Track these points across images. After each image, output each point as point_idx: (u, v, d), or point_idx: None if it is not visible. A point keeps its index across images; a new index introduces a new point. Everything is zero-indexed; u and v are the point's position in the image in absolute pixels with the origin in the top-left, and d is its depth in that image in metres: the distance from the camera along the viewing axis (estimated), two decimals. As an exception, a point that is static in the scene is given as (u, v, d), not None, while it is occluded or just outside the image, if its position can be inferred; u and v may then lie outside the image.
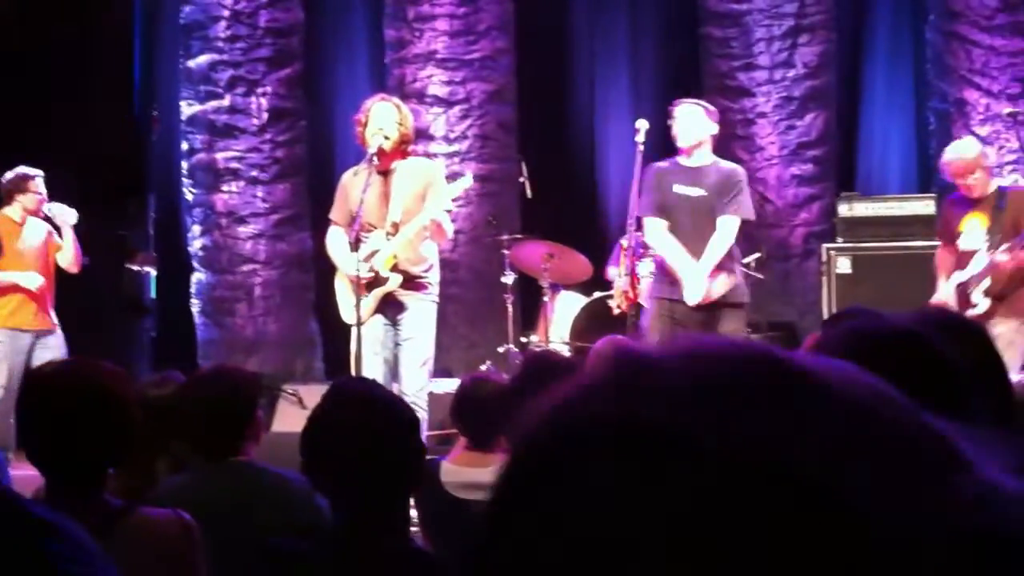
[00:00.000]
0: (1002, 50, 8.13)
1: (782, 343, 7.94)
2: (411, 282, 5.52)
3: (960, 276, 5.96)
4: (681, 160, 5.79)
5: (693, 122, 5.82)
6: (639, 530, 0.49)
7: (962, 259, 5.97)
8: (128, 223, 8.57)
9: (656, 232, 5.80)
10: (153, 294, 8.67)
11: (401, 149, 5.60)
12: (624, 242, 5.36)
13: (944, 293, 6.08)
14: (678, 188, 5.70)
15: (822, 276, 7.67)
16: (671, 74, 8.65)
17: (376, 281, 5.46)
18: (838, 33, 8.59)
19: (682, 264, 5.68)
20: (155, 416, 2.76)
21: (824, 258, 7.65)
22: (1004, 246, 5.67)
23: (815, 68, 8.50)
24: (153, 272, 8.57)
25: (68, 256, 6.74)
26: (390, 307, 5.54)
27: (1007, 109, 7.69)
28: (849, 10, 8.75)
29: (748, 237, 8.03)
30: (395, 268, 5.47)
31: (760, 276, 7.62)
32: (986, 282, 5.81)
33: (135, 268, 8.41)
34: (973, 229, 5.92)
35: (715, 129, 5.90)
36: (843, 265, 7.51)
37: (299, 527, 2.37)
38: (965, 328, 1.53)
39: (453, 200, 5.79)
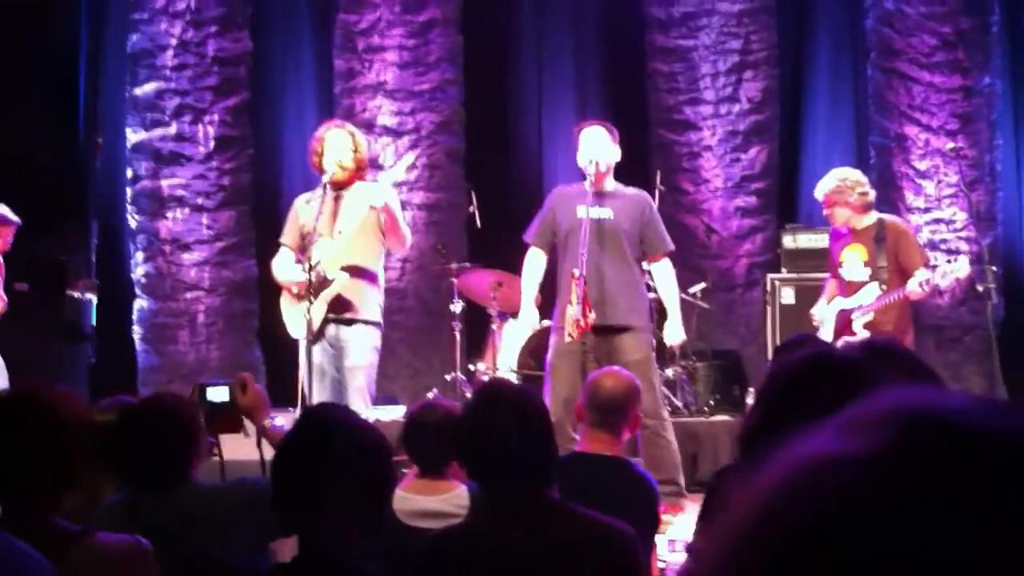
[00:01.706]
0: (941, 87, 8.33)
1: (725, 371, 8.04)
2: (352, 290, 5.45)
3: (845, 303, 5.98)
4: (587, 185, 5.57)
5: (604, 148, 5.65)
6: None
7: (846, 288, 5.99)
8: (69, 249, 8.45)
9: (529, 258, 5.82)
10: (93, 321, 8.55)
11: (357, 175, 5.62)
12: (575, 271, 5.35)
13: (819, 313, 6.14)
14: (582, 211, 5.50)
15: (766, 306, 7.78)
16: (617, 107, 8.74)
17: (323, 283, 5.40)
18: (781, 69, 8.75)
19: (526, 299, 5.75)
20: (97, 440, 2.71)
21: (768, 288, 7.76)
22: (916, 282, 5.63)
23: (759, 103, 8.65)
24: (94, 299, 8.45)
25: None
26: (334, 331, 5.49)
27: (949, 144, 7.84)
28: (792, 47, 8.92)
29: (693, 267, 8.14)
30: (342, 269, 5.42)
31: (705, 305, 7.71)
32: (870, 315, 5.87)
33: (75, 294, 8.29)
34: (851, 260, 5.99)
35: (619, 153, 5.75)
36: (787, 295, 7.63)
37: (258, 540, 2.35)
38: (901, 355, 1.59)
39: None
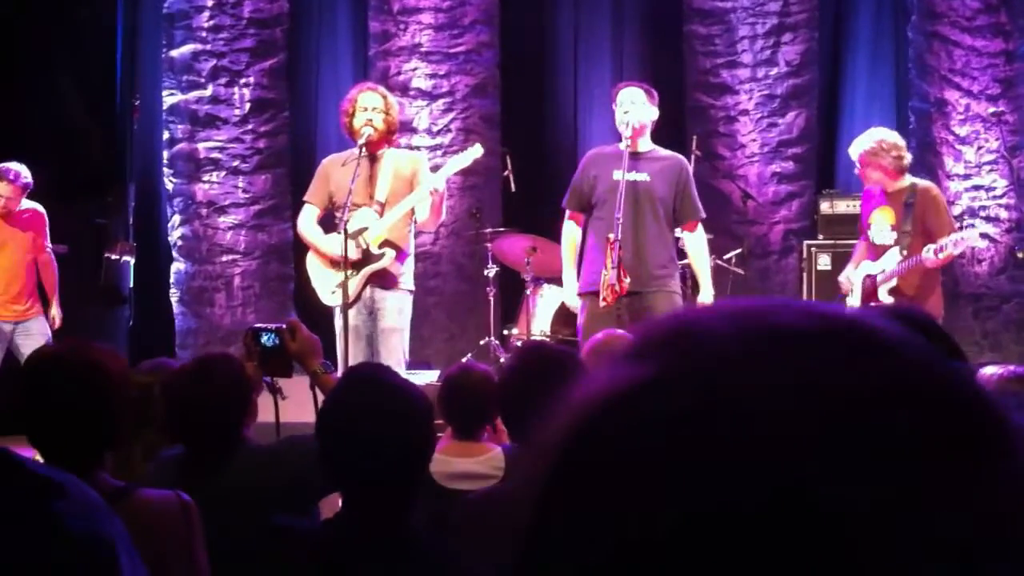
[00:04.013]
0: (983, 51, 8.21)
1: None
2: (394, 265, 5.51)
3: (870, 268, 5.91)
4: (622, 146, 5.55)
5: (640, 107, 5.63)
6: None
7: (873, 251, 5.91)
8: (107, 212, 8.51)
9: (566, 228, 5.79)
10: (131, 283, 8.62)
11: (388, 138, 5.62)
12: (611, 236, 5.34)
13: (847, 277, 6.05)
14: (618, 174, 5.48)
15: (802, 272, 7.73)
16: (654, 70, 8.67)
17: (367, 258, 5.44)
18: (821, 32, 8.65)
19: (568, 274, 5.71)
20: (137, 401, 2.72)
21: (804, 255, 7.70)
22: (930, 249, 5.56)
23: (798, 66, 8.56)
24: (132, 261, 8.52)
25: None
26: (369, 294, 5.53)
27: (990, 109, 7.72)
28: (832, 9, 8.82)
29: (728, 233, 8.10)
30: (385, 245, 5.48)
31: (740, 271, 7.67)
32: (893, 281, 5.80)
33: (114, 257, 8.36)
34: (880, 223, 5.91)
35: (657, 113, 5.73)
36: (823, 262, 7.58)
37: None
38: (923, 321, 1.57)
39: (461, 171, 5.86)
